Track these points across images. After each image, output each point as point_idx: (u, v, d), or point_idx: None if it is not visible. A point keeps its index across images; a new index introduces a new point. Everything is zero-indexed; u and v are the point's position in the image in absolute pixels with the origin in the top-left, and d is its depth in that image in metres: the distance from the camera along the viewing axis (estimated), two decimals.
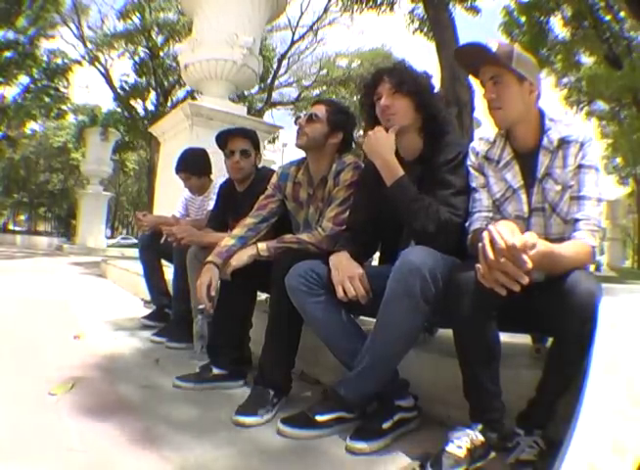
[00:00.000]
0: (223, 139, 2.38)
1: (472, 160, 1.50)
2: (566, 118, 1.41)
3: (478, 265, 1.11)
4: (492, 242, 1.07)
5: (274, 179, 2.05)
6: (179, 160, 2.97)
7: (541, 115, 1.39)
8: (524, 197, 1.38)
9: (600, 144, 20.29)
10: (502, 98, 1.35)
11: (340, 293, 1.47)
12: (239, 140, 2.36)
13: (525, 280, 1.05)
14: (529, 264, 1.03)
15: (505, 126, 1.42)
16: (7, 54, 17.36)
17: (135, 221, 3.08)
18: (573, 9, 13.76)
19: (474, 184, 1.48)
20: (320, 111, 1.86)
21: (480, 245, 1.10)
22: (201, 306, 1.77)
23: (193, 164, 2.94)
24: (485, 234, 1.10)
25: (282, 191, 2.03)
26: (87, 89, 36.89)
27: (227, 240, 1.91)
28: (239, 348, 1.93)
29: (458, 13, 9.95)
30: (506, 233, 1.06)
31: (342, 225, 1.76)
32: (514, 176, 1.40)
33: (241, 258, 1.79)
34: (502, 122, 1.40)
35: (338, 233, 1.75)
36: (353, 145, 2.01)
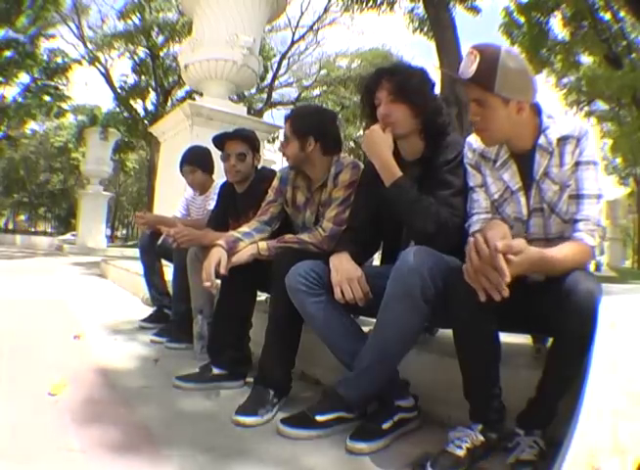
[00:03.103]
0: (220, 142, 2.37)
1: (468, 156, 1.47)
2: (564, 116, 1.38)
3: (465, 265, 1.12)
4: (477, 247, 1.07)
5: (275, 183, 2.05)
6: (185, 153, 3.02)
7: (538, 112, 1.34)
8: (522, 199, 1.35)
9: (600, 144, 20.30)
10: (486, 120, 1.30)
11: (337, 294, 1.47)
12: (236, 143, 2.34)
13: (506, 293, 1.05)
14: (508, 277, 1.03)
15: (491, 146, 1.39)
16: (7, 53, 17.37)
17: (135, 220, 3.09)
18: (573, 9, 13.74)
19: (471, 183, 1.45)
20: (286, 130, 1.88)
21: (466, 248, 1.11)
22: (207, 284, 1.74)
23: (199, 159, 2.98)
24: (471, 239, 1.10)
25: (283, 195, 2.03)
26: (86, 86, 37.05)
27: (234, 232, 1.91)
28: (239, 348, 1.93)
29: (458, 13, 9.97)
30: (494, 237, 1.06)
31: (343, 225, 1.76)
32: (512, 177, 1.37)
33: (241, 257, 1.79)
34: (487, 143, 1.37)
35: (338, 233, 1.75)
36: (352, 144, 2.01)
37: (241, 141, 2.36)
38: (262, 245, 1.80)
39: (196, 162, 2.97)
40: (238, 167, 2.32)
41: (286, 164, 2.02)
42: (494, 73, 1.22)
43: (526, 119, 1.31)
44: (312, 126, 1.85)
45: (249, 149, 2.36)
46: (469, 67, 1.25)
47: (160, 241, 2.91)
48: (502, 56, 1.23)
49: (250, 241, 1.87)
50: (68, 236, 24.32)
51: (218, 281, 1.83)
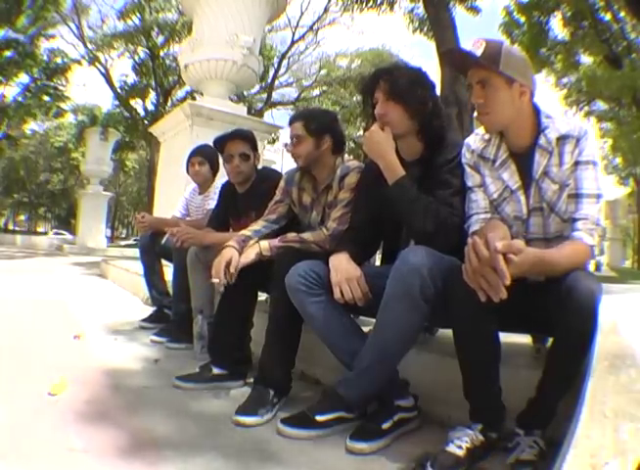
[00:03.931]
0: (221, 143, 2.37)
1: (467, 157, 1.47)
2: (563, 116, 1.39)
3: (464, 266, 1.11)
4: (476, 249, 1.07)
5: (282, 184, 2.07)
6: (198, 146, 3.09)
7: (537, 112, 1.36)
8: (522, 198, 1.36)
9: (600, 144, 20.31)
10: (489, 102, 1.32)
11: (337, 294, 1.47)
12: (237, 143, 2.34)
13: (503, 295, 1.04)
14: (507, 280, 1.03)
15: (493, 131, 1.40)
16: (7, 53, 17.38)
17: (135, 223, 3.10)
18: (573, 9, 13.74)
19: (470, 183, 1.45)
20: (298, 130, 1.88)
21: (465, 249, 1.11)
22: (215, 280, 1.77)
23: (210, 155, 3.02)
24: (470, 241, 1.10)
25: (289, 196, 2.04)
26: (84, 87, 37.65)
27: (244, 231, 1.94)
28: (239, 348, 1.93)
29: (458, 12, 9.97)
30: (494, 239, 1.06)
31: (346, 225, 1.76)
32: (511, 176, 1.37)
33: (248, 256, 1.80)
34: (490, 128, 1.38)
35: (341, 233, 1.76)
36: (352, 144, 2.02)
37: (242, 141, 2.36)
38: (264, 245, 1.80)
39: (207, 155, 3.02)
40: (241, 168, 2.33)
41: (286, 164, 2.03)
42: (499, 54, 1.29)
43: (527, 110, 1.34)
44: (328, 125, 1.91)
45: (250, 149, 2.37)
46: (475, 51, 1.31)
47: (164, 240, 2.92)
48: (505, 44, 1.34)
49: (258, 238, 1.90)
50: (52, 235, 24.49)
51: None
